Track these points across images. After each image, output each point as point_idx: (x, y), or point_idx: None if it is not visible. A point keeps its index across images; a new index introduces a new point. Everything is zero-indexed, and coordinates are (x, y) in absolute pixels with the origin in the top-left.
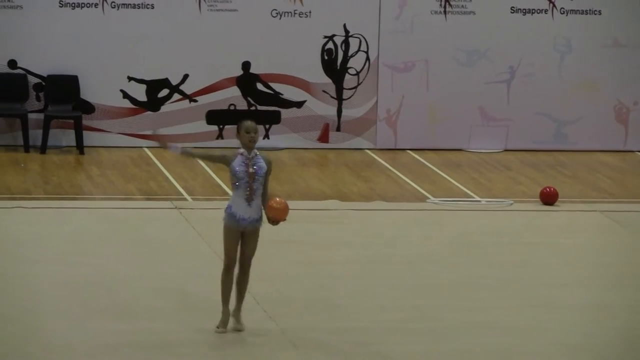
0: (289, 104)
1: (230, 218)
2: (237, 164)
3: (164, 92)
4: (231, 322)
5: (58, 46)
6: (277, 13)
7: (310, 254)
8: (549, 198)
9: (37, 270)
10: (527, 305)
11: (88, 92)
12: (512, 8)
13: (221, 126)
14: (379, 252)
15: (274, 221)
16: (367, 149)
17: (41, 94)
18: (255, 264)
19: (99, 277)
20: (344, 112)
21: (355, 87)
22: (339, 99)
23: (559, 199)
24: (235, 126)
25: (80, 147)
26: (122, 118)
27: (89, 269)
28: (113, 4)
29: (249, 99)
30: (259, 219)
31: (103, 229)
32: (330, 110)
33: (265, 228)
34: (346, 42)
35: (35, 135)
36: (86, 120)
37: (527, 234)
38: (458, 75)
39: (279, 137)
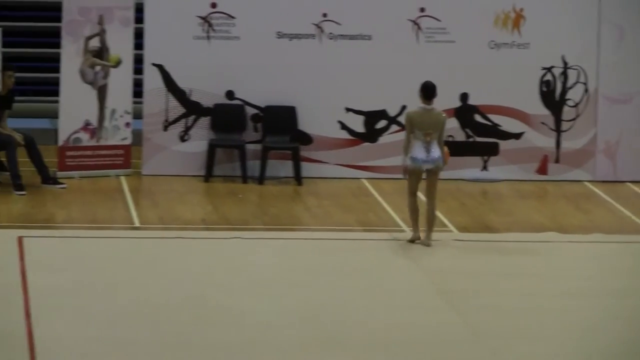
0: (507, 135)
1: None
2: None
3: (382, 124)
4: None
5: (275, 77)
6: (495, 44)
7: (529, 285)
8: None
9: (255, 301)
10: None
11: (306, 123)
12: None
13: None
14: (598, 284)
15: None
16: (586, 181)
17: (259, 125)
18: (477, 294)
19: (311, 309)
20: (563, 143)
21: (574, 119)
22: (558, 130)
23: None
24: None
25: (298, 178)
26: (340, 149)
27: (301, 299)
28: (330, 35)
29: (467, 130)
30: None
31: (320, 260)
32: (548, 142)
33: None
34: (564, 74)
35: (253, 166)
36: (304, 151)
37: None
38: None
39: (497, 169)
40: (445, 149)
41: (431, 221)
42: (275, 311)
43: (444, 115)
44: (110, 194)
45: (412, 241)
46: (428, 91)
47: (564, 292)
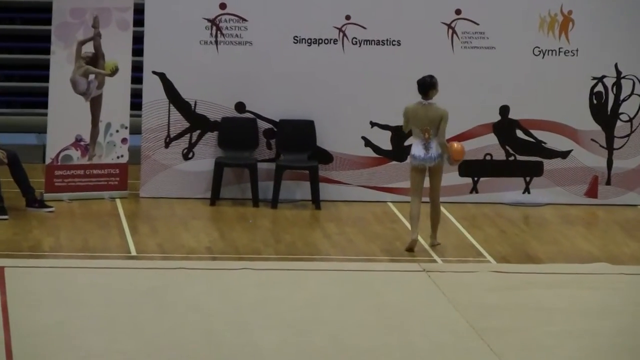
0: (552, 153)
1: None
2: None
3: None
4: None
5: (292, 87)
6: (539, 51)
7: (576, 323)
8: None
9: (266, 338)
10: None
11: (325, 140)
12: None
13: (476, 178)
14: None
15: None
16: None
17: (272, 141)
18: (517, 334)
19: (335, 347)
20: (615, 163)
21: (628, 135)
22: (610, 148)
23: None
24: None
25: (316, 201)
26: (364, 169)
27: (324, 338)
28: (354, 40)
29: (508, 147)
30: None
31: (341, 294)
32: (599, 161)
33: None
34: (618, 85)
35: (266, 188)
36: (323, 171)
37: None
38: None
39: (541, 192)
40: (457, 144)
41: (436, 222)
42: (295, 351)
43: (443, 110)
44: (103, 219)
45: (410, 249)
46: (421, 87)
47: (616, 330)
